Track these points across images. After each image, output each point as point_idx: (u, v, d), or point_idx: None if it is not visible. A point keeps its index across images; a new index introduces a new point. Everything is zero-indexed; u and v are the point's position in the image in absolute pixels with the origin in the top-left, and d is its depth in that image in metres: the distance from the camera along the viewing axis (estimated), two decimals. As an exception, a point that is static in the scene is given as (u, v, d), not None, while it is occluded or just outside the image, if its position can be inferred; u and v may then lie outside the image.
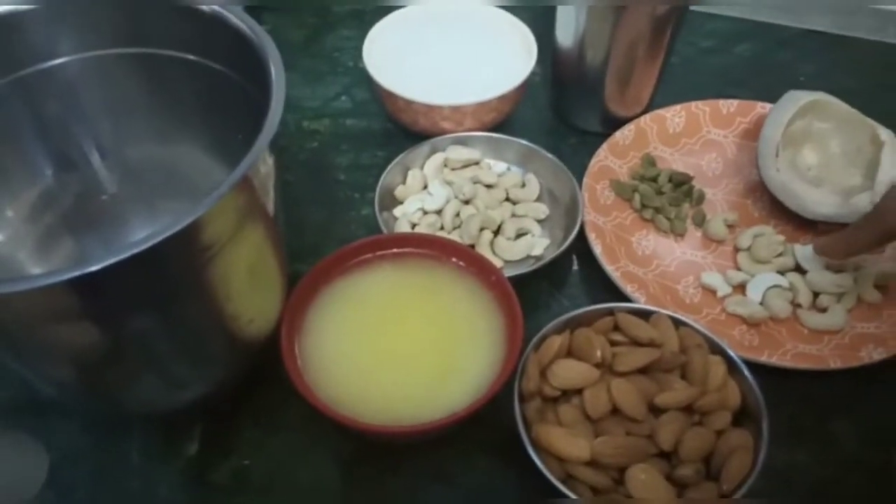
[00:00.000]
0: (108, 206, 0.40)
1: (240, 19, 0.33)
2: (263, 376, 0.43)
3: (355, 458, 0.41)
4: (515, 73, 0.53)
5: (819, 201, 0.48)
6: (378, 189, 0.50)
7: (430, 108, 0.52)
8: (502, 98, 0.53)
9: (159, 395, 0.36)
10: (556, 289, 0.49)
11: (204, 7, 0.32)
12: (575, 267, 0.50)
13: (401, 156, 0.52)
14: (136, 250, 0.26)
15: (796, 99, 0.51)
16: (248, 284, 0.33)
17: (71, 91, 0.35)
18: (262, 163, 0.30)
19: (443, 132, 0.54)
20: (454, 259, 0.44)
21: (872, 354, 0.42)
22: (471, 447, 0.41)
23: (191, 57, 0.34)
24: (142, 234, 0.42)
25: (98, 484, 0.39)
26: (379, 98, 0.57)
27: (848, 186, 0.50)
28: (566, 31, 0.53)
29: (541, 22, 0.57)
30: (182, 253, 0.28)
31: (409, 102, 0.52)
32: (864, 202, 0.48)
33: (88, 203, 0.40)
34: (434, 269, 0.44)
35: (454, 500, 0.40)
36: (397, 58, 0.56)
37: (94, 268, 0.25)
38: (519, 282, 0.44)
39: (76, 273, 0.25)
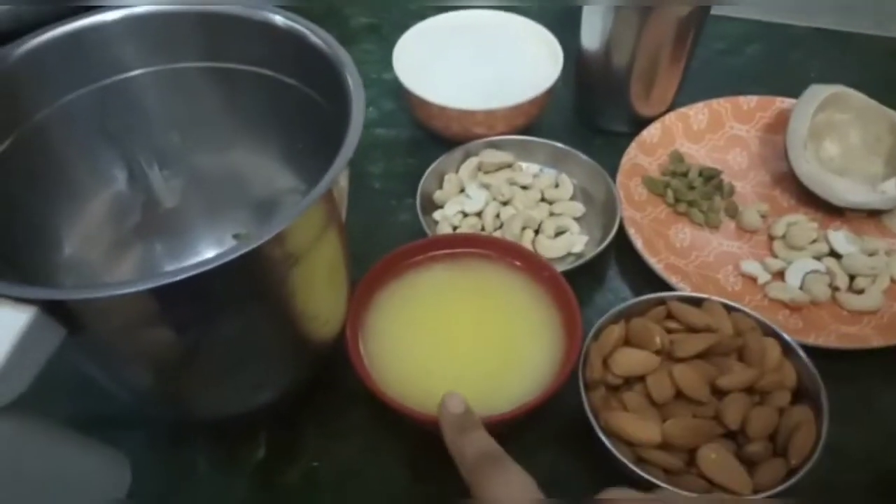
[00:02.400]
0: (173, 213, 0.41)
1: (315, 34, 0.33)
2: (323, 382, 0.43)
3: (422, 455, 0.41)
4: (543, 77, 0.55)
5: (848, 189, 0.50)
6: (418, 194, 0.51)
7: (463, 114, 0.53)
8: (533, 102, 0.54)
9: (235, 399, 0.37)
10: (598, 283, 0.50)
11: (279, 22, 0.33)
12: (612, 261, 0.51)
13: (436, 161, 0.53)
14: (229, 258, 0.26)
15: (818, 93, 0.53)
16: (326, 287, 0.34)
17: (143, 102, 0.36)
18: (342, 175, 0.31)
19: (475, 137, 0.55)
20: (506, 257, 0.45)
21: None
22: (533, 438, 0.42)
23: (265, 71, 0.35)
24: (206, 242, 0.43)
25: (170, 494, 0.40)
26: (407, 107, 0.58)
27: (871, 174, 0.52)
28: (592, 34, 0.54)
29: (559, 27, 0.59)
30: (270, 259, 0.29)
31: (442, 109, 0.53)
32: (891, 189, 0.50)
33: (154, 211, 0.40)
34: (487, 267, 0.45)
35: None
36: (426, 67, 0.58)
37: (189, 274, 0.25)
38: (571, 277, 0.45)
39: (169, 280, 0.25)
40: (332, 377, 0.43)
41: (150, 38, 0.34)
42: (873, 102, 0.52)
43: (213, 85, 0.36)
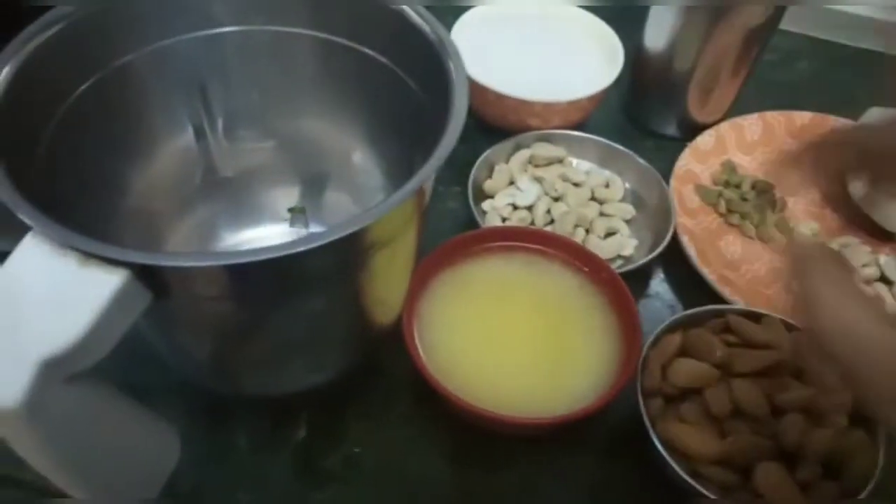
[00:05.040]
0: (237, 178, 0.39)
1: (425, 21, 0.32)
2: (373, 368, 0.42)
3: (467, 450, 0.41)
4: (601, 73, 0.54)
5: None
6: (470, 182, 0.49)
7: (521, 104, 0.52)
8: (591, 98, 0.53)
9: (288, 378, 0.35)
10: (645, 289, 0.49)
11: (391, 5, 0.32)
12: (660, 268, 0.51)
13: (487, 151, 0.52)
14: (327, 239, 0.25)
15: (877, 114, 0.52)
16: (399, 274, 0.33)
17: (231, 60, 0.34)
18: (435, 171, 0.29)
19: (528, 129, 0.54)
20: (563, 254, 0.44)
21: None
22: (585, 443, 0.41)
23: (361, 48, 0.34)
24: (267, 213, 0.42)
25: (208, 468, 0.38)
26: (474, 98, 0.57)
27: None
28: (657, 33, 0.53)
29: (618, 23, 0.58)
30: (359, 245, 0.28)
31: (500, 97, 0.52)
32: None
33: (218, 173, 0.39)
34: (542, 263, 0.44)
35: (571, 495, 0.40)
36: (481, 52, 0.56)
37: (287, 252, 0.24)
38: (626, 279, 0.45)
39: (262, 257, 0.24)
40: (379, 363, 0.42)
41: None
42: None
43: (307, 54, 0.35)
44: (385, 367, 0.42)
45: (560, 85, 0.54)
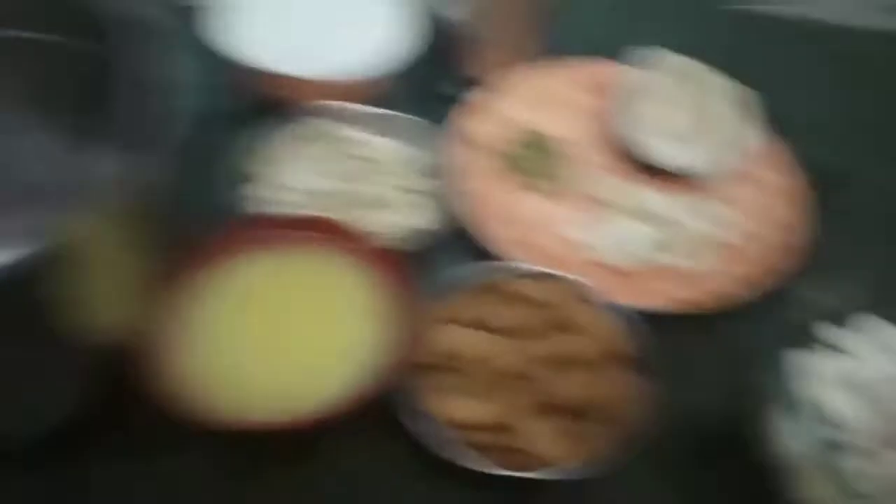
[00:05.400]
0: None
1: None
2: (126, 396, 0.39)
3: (243, 460, 0.39)
4: (389, 43, 0.52)
5: (667, 150, 0.52)
6: (239, 170, 0.47)
7: (296, 82, 0.50)
8: (378, 71, 0.51)
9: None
10: (440, 258, 0.48)
11: None
12: (455, 236, 0.50)
13: (263, 133, 0.49)
14: None
15: (641, 56, 0.54)
16: (111, 291, 0.30)
17: None
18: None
19: (323, 108, 0.51)
20: (335, 238, 0.43)
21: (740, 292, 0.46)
22: (362, 430, 0.40)
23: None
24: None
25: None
26: (238, 74, 0.54)
27: (696, 137, 0.53)
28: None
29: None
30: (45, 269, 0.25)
31: (277, 76, 0.49)
32: (710, 153, 0.51)
33: None
34: (313, 251, 0.43)
35: (346, 488, 0.39)
36: (259, 29, 0.53)
37: None
38: (405, 255, 0.44)
39: None
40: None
41: None
42: (693, 63, 0.54)
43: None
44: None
45: (349, 57, 0.51)
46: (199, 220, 0.46)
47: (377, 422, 0.40)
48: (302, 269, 0.42)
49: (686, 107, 0.53)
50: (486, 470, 0.35)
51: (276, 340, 0.39)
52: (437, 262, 0.48)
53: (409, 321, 0.38)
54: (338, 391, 0.36)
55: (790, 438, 0.36)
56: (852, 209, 0.52)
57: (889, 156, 0.57)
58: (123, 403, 0.38)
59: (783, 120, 0.54)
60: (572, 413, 0.37)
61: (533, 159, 0.53)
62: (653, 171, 0.53)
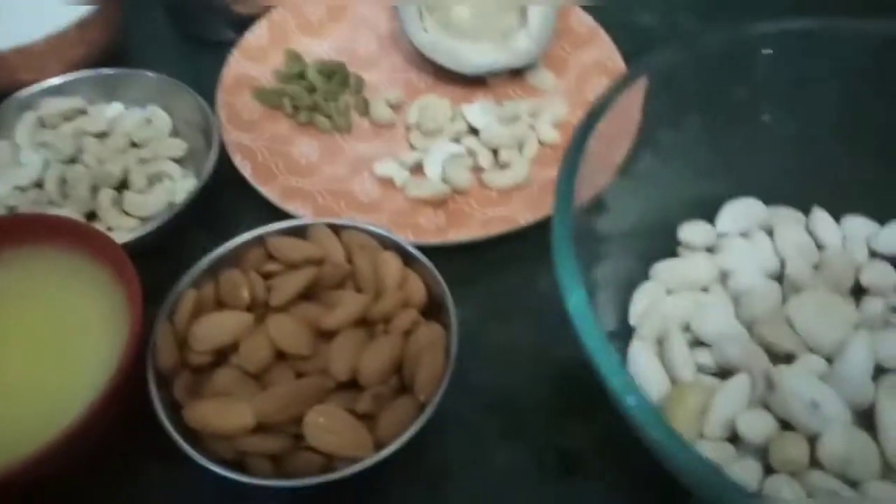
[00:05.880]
0: None
1: None
2: None
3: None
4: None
5: (476, 52, 0.43)
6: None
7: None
8: (84, 24, 0.41)
9: None
10: (210, 232, 0.39)
11: None
12: (229, 201, 0.41)
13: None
14: None
15: None
16: None
17: None
18: None
19: (23, 84, 0.41)
20: (57, 238, 0.33)
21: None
22: (125, 461, 0.32)
23: None
24: None
25: None
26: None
27: (505, 31, 0.46)
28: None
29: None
30: None
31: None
32: (522, 42, 0.44)
33: None
34: (28, 258, 0.33)
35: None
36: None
37: None
38: (160, 237, 0.35)
39: None
40: None
41: None
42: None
43: None
44: None
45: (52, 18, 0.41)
46: None
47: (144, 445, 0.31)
48: (21, 282, 0.33)
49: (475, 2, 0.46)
50: (268, 484, 0.28)
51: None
52: (210, 236, 0.39)
53: (138, 326, 0.29)
54: (71, 416, 0.28)
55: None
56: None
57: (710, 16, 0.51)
58: None
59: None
60: (361, 391, 0.29)
61: (318, 92, 0.44)
62: (467, 81, 0.45)
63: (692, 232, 0.34)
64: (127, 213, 0.39)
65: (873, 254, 0.34)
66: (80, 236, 0.33)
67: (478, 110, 0.42)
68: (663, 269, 0.33)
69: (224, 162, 0.40)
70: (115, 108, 0.43)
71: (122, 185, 0.39)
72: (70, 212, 0.37)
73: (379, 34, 0.48)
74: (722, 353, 0.30)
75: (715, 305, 0.32)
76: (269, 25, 0.46)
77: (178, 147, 0.41)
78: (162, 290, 0.32)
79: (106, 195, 0.38)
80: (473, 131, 0.42)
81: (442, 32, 0.44)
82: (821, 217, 0.35)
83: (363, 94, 0.45)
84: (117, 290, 0.32)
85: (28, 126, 0.41)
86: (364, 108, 0.44)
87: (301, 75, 0.44)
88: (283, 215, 0.37)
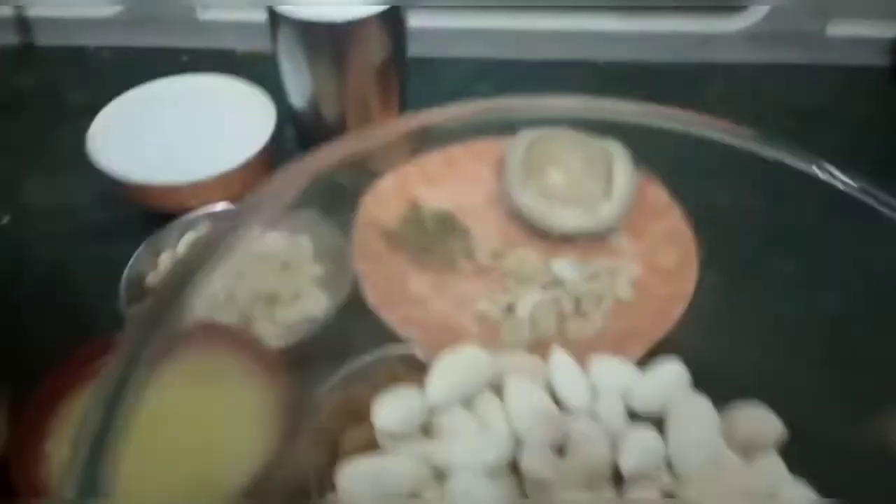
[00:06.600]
0: None
1: None
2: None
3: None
4: (255, 139, 0.53)
5: (565, 217, 0.52)
6: (124, 281, 0.46)
7: (169, 190, 0.50)
8: (246, 167, 0.52)
9: None
10: (342, 348, 0.48)
11: None
12: (357, 323, 0.49)
13: (145, 242, 0.49)
14: None
15: (525, 136, 0.55)
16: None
17: None
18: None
19: (190, 209, 0.52)
20: (222, 342, 0.42)
21: (629, 350, 0.45)
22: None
23: None
24: None
25: None
26: (119, 188, 0.54)
27: (593, 197, 0.55)
28: (297, 94, 0.54)
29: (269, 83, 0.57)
30: None
31: (146, 187, 0.50)
32: (605, 211, 0.52)
33: None
34: (201, 359, 0.41)
35: None
36: (129, 142, 0.53)
37: None
38: (300, 348, 0.43)
39: None
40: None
41: None
42: (580, 135, 0.55)
43: None
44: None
45: (222, 158, 0.52)
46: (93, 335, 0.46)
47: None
48: (192, 378, 0.41)
49: (571, 169, 0.55)
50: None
51: (165, 445, 0.37)
52: (342, 350, 0.48)
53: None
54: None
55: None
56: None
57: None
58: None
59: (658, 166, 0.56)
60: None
61: (429, 236, 0.53)
62: (550, 238, 0.53)
63: (391, 409, 0.28)
64: (274, 324, 0.47)
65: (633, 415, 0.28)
66: (244, 343, 0.41)
67: (566, 266, 0.50)
68: (349, 477, 0.26)
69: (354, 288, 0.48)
70: (270, 236, 0.53)
71: (271, 299, 0.48)
72: (231, 317, 0.46)
73: (486, 192, 0.57)
74: None
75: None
76: (395, 177, 0.56)
77: (316, 270, 0.50)
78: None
79: (260, 308, 0.47)
80: (559, 283, 0.50)
81: (538, 196, 0.53)
82: (562, 365, 0.28)
83: (468, 241, 0.54)
84: (269, 390, 0.39)
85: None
86: (469, 253, 0.53)
87: (418, 220, 0.54)
88: (398, 338, 0.46)
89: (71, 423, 0.39)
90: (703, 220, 0.55)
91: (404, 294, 0.50)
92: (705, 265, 0.51)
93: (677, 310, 0.47)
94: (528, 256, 0.51)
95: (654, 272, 0.51)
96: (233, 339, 0.41)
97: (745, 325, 0.43)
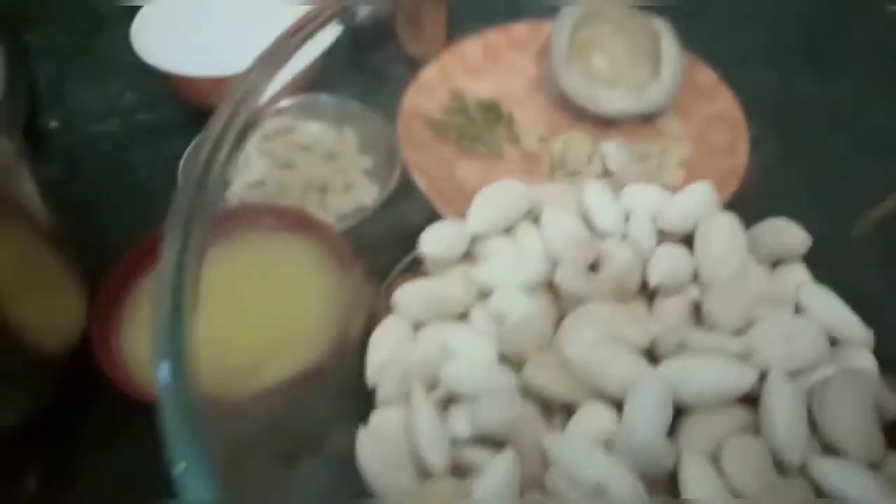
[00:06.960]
0: None
1: None
2: (90, 392, 0.39)
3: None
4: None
5: (614, 98, 0.51)
6: (180, 176, 0.47)
7: (218, 82, 0.50)
8: (310, 66, 0.51)
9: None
10: (394, 235, 0.49)
11: None
12: (403, 210, 0.50)
13: (197, 137, 0.49)
14: None
15: (570, 12, 0.54)
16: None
17: None
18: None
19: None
20: (284, 223, 0.43)
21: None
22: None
23: None
24: None
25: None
26: (171, 85, 0.54)
27: (640, 81, 0.54)
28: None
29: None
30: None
31: (193, 80, 0.50)
32: (653, 92, 0.52)
33: None
34: (264, 239, 0.43)
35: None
36: (174, 37, 0.53)
37: None
38: (353, 234, 0.44)
39: None
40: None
41: None
42: (627, 10, 0.54)
43: None
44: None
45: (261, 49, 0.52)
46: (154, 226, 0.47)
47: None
48: (255, 258, 0.42)
49: (617, 51, 0.54)
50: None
51: (233, 322, 0.39)
52: (395, 237, 0.49)
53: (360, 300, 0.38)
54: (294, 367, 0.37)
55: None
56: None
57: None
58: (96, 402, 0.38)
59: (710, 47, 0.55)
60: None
61: (477, 125, 0.53)
62: (599, 122, 0.53)
63: (436, 239, 0.28)
64: (326, 212, 0.48)
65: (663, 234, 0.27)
66: (306, 224, 0.42)
67: (613, 149, 0.50)
68: (405, 296, 0.26)
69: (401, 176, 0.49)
70: (316, 127, 0.53)
71: (322, 189, 0.49)
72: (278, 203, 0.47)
73: (527, 78, 0.57)
74: (480, 420, 0.22)
75: (469, 345, 0.25)
76: (438, 66, 0.55)
77: (365, 162, 0.51)
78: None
79: (313, 196, 0.48)
80: (607, 172, 0.50)
81: (584, 78, 0.53)
82: (595, 192, 0.27)
83: (513, 128, 0.53)
84: (335, 270, 0.41)
85: (256, 138, 0.52)
86: (515, 140, 0.53)
87: (464, 109, 0.54)
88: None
89: (141, 309, 0.41)
90: (751, 102, 0.54)
91: (452, 181, 0.50)
92: (755, 143, 0.51)
93: (729, 188, 0.47)
94: (575, 139, 0.51)
95: (704, 152, 0.51)
96: (298, 221, 0.42)
97: (798, 200, 0.43)
